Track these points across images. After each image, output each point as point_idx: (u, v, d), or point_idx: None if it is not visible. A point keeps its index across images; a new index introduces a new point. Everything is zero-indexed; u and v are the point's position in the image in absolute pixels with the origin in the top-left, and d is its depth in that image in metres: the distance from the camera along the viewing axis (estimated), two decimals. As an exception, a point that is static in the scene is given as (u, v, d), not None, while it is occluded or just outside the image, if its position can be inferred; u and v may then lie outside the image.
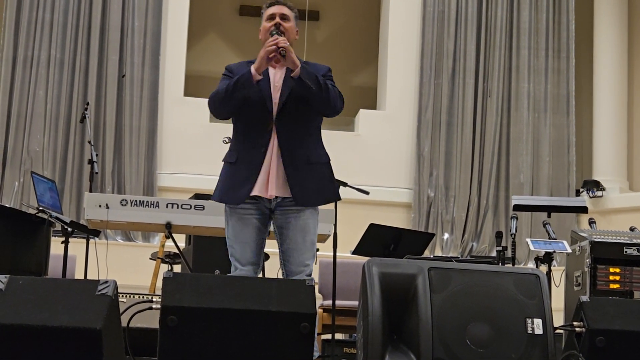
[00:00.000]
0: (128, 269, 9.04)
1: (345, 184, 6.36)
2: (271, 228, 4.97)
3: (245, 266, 4.82)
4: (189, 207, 6.46)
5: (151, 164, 10.70)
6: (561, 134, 11.35)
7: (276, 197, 4.82)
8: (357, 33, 12.73)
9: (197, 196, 7.57)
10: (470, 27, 11.35)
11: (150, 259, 8.54)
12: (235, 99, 4.78)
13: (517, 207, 7.56)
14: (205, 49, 12.55)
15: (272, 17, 4.93)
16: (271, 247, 5.14)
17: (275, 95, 4.84)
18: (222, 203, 4.92)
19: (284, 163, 4.81)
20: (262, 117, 4.82)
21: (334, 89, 4.85)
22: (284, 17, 4.93)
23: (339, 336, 7.84)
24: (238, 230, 4.84)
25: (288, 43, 4.77)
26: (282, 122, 4.82)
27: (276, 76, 4.89)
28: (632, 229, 7.03)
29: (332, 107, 4.87)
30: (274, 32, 4.82)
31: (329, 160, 4.97)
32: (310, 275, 4.88)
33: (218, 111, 4.91)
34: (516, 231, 7.21)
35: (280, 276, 4.96)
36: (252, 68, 4.75)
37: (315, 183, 4.87)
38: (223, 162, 4.96)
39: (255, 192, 4.79)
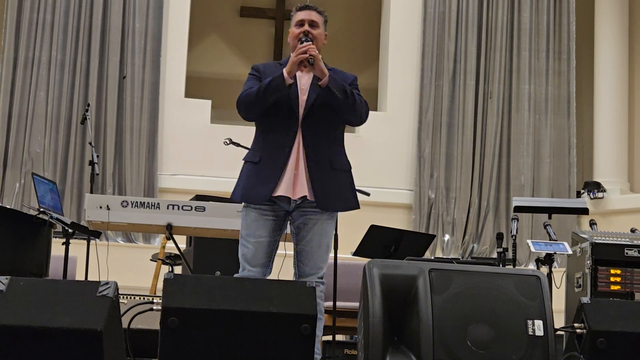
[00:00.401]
0: (129, 270, 9.03)
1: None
2: (287, 230, 4.97)
3: (255, 267, 4.81)
4: (189, 208, 6.46)
5: (152, 165, 10.70)
6: (562, 136, 11.34)
7: (296, 199, 4.82)
8: (358, 34, 12.73)
9: (198, 197, 7.57)
10: (471, 28, 11.35)
11: (151, 260, 8.55)
12: (267, 102, 4.78)
13: (518, 209, 7.57)
14: (206, 50, 12.55)
15: (301, 23, 4.92)
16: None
17: (302, 98, 4.85)
18: (243, 202, 4.90)
19: (308, 165, 4.81)
20: (287, 118, 4.82)
21: (360, 98, 4.89)
22: (312, 23, 4.93)
23: (339, 338, 7.84)
24: (253, 229, 4.84)
25: (317, 51, 4.77)
26: (308, 125, 4.83)
27: (303, 79, 4.89)
28: (632, 231, 7.04)
29: (358, 117, 4.92)
30: (303, 39, 4.83)
31: (351, 168, 4.99)
32: (322, 277, 4.89)
33: (248, 113, 4.87)
34: (517, 232, 7.21)
35: (281, 277, 4.95)
36: (285, 72, 4.75)
37: (337, 189, 4.89)
38: (244, 162, 4.95)
39: (280, 192, 4.78)
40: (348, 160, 4.99)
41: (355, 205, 4.99)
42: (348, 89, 4.83)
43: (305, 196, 4.81)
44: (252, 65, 5.09)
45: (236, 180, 4.99)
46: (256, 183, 4.82)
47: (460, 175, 11.14)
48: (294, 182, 4.80)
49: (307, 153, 4.82)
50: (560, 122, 11.35)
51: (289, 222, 4.95)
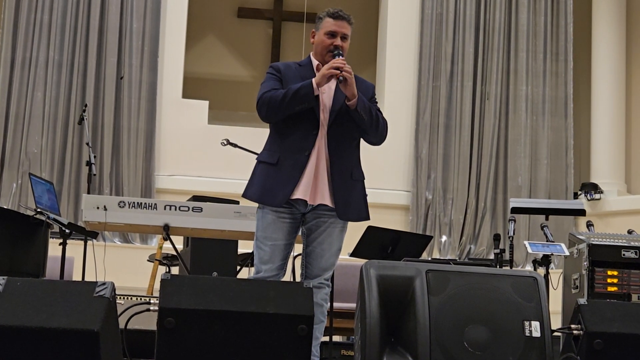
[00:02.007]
0: (126, 270, 9.04)
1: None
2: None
3: (270, 269, 4.78)
4: (187, 209, 6.45)
5: (149, 165, 10.70)
6: (559, 137, 11.35)
7: (315, 204, 4.80)
8: (355, 35, 12.68)
9: (195, 198, 7.56)
10: (469, 29, 11.36)
11: (148, 260, 8.54)
12: (292, 110, 4.73)
13: (515, 210, 7.57)
14: (204, 51, 12.56)
15: (332, 34, 4.86)
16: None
17: (326, 103, 4.81)
18: (260, 203, 4.84)
19: (331, 173, 4.79)
20: (307, 121, 4.78)
21: (382, 118, 4.90)
22: (344, 37, 4.90)
23: (336, 338, 7.84)
24: (270, 232, 4.80)
25: (352, 72, 4.72)
26: (334, 132, 4.81)
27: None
28: (629, 232, 7.03)
29: (380, 137, 4.94)
30: (336, 54, 4.79)
31: (364, 178, 4.99)
32: (328, 280, 4.89)
33: (269, 116, 4.81)
34: (514, 234, 7.21)
35: (287, 278, 4.96)
36: (314, 83, 4.70)
37: (355, 200, 4.88)
38: (258, 162, 4.89)
39: (298, 195, 4.74)
40: (363, 171, 4.99)
41: (367, 216, 4.97)
42: (374, 110, 4.83)
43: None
44: (271, 64, 5.02)
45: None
46: (274, 185, 4.77)
47: (458, 176, 11.15)
48: (313, 187, 4.77)
49: (330, 160, 4.80)
50: (558, 124, 11.36)
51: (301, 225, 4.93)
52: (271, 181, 4.79)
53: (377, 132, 4.89)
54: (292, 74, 4.86)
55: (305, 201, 4.77)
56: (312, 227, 4.85)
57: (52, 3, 10.63)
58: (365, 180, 5.03)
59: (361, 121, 4.78)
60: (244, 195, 4.91)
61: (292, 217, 4.82)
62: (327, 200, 4.78)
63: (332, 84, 4.82)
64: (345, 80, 4.69)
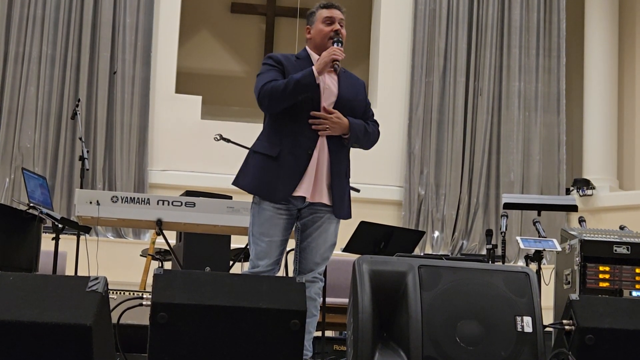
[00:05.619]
0: (119, 265, 9.04)
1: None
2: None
3: (266, 265, 4.78)
4: (179, 204, 6.45)
5: (142, 160, 10.70)
6: (552, 133, 11.37)
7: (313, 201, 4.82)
8: (349, 31, 12.66)
9: (188, 193, 7.57)
10: (462, 25, 11.37)
11: (141, 255, 8.55)
12: (295, 99, 4.73)
13: (508, 206, 7.58)
14: (197, 46, 12.55)
15: (330, 21, 4.90)
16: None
17: (324, 96, 4.81)
18: (259, 196, 4.81)
19: (331, 171, 4.81)
20: (308, 116, 4.78)
21: (373, 127, 4.97)
22: (341, 22, 4.93)
23: (329, 333, 7.85)
24: (267, 228, 4.79)
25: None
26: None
27: (325, 77, 4.85)
28: (621, 228, 7.05)
29: (370, 147, 5.06)
30: (336, 41, 4.83)
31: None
32: (321, 274, 4.91)
33: (272, 107, 4.79)
34: (506, 229, 7.22)
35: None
36: (315, 71, 4.72)
37: (347, 198, 4.92)
38: (254, 152, 4.87)
39: (301, 192, 4.74)
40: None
41: (350, 215, 4.98)
42: (363, 129, 4.88)
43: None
44: (269, 54, 4.99)
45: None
46: (276, 181, 4.75)
47: (450, 172, 11.16)
48: (314, 185, 4.77)
49: (330, 158, 4.81)
50: (550, 120, 11.38)
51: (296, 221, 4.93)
52: (271, 175, 4.77)
53: (368, 145, 5.00)
54: (292, 65, 4.85)
55: (303, 198, 4.78)
56: (308, 223, 4.86)
57: (45, -3, 10.63)
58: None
59: (358, 143, 4.91)
60: (236, 184, 4.86)
61: (289, 214, 4.82)
62: (325, 199, 4.80)
63: (335, 80, 4.84)
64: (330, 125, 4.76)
